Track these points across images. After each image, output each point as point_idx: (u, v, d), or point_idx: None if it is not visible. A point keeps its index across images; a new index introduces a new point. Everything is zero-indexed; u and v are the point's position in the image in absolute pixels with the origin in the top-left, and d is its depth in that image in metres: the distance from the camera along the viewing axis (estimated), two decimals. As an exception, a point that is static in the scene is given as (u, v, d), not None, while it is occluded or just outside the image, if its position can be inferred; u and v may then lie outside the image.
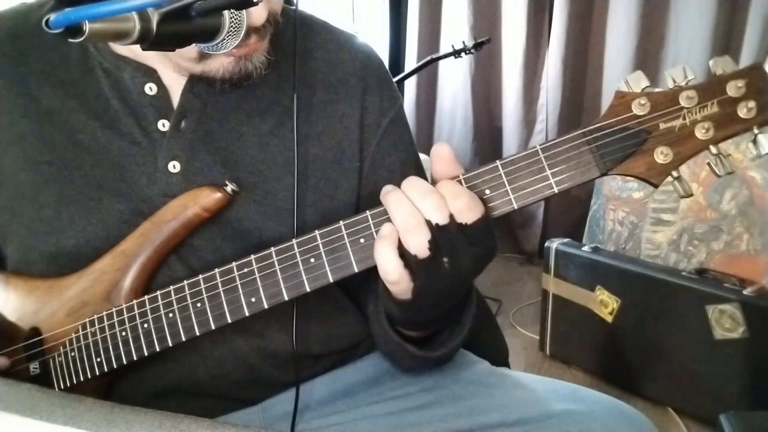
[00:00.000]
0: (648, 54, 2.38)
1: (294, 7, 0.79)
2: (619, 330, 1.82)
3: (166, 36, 0.53)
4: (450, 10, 2.87)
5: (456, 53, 2.27)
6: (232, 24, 0.60)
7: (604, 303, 1.84)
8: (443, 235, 0.56)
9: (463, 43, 2.28)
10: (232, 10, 0.59)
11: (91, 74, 0.74)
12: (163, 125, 0.72)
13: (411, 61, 2.96)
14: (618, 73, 2.42)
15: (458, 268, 0.58)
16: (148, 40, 0.53)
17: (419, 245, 0.57)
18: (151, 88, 0.72)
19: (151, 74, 0.72)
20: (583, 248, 1.90)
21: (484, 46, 2.28)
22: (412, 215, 0.57)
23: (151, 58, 0.71)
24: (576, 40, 2.56)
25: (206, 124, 0.73)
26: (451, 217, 0.56)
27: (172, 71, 0.72)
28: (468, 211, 0.57)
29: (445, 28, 2.90)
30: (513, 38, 2.71)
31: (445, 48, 2.44)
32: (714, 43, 2.19)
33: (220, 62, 0.65)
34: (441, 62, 2.63)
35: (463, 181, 0.59)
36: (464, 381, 0.79)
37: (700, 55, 2.20)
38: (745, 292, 1.58)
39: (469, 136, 2.92)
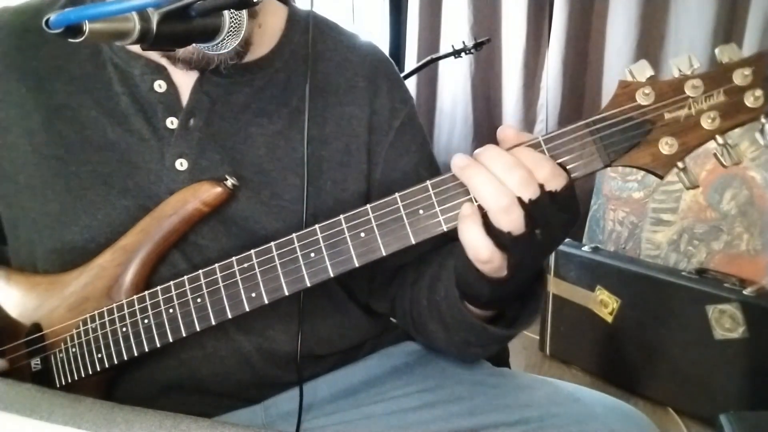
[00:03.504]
0: (648, 54, 2.38)
1: (307, 10, 0.79)
2: (619, 330, 1.82)
3: (166, 36, 0.53)
4: (450, 10, 2.87)
5: (456, 53, 2.27)
6: (232, 24, 0.60)
7: (604, 303, 1.84)
8: (535, 208, 0.54)
9: (463, 43, 2.28)
10: (232, 10, 0.59)
11: (103, 70, 0.74)
12: (172, 123, 0.72)
13: (411, 61, 2.96)
14: (618, 73, 2.41)
15: (550, 238, 0.57)
16: (148, 40, 0.53)
17: (514, 223, 0.54)
18: (160, 86, 0.72)
19: (161, 71, 0.72)
20: (583, 248, 1.90)
21: (484, 46, 2.28)
22: (502, 193, 0.54)
23: (178, 68, 0.71)
24: (576, 40, 2.55)
25: (215, 123, 0.73)
26: (541, 187, 0.54)
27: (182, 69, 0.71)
28: (555, 179, 0.55)
29: (445, 28, 2.90)
30: (513, 38, 2.71)
31: (445, 48, 2.44)
32: (714, 43, 2.18)
33: None
34: (441, 62, 2.62)
35: (545, 150, 0.57)
36: (465, 381, 0.79)
37: (700, 55, 2.19)
38: (745, 292, 1.58)
39: (469, 136, 2.92)
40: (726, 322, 1.59)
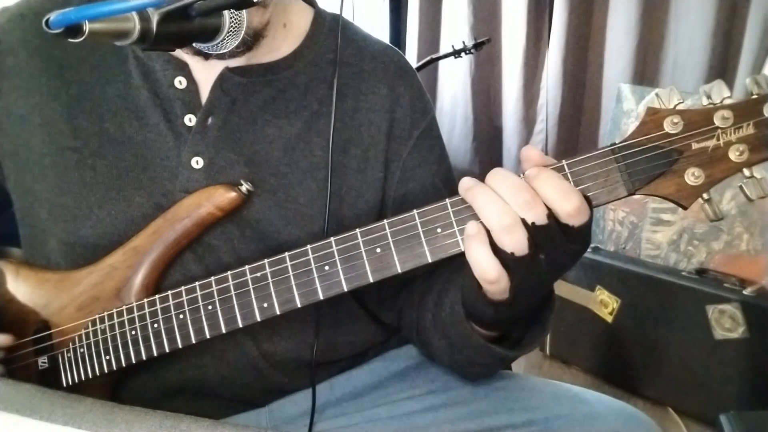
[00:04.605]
0: (648, 54, 2.38)
1: (333, 12, 0.78)
2: (619, 330, 1.82)
3: (166, 36, 0.53)
4: (450, 10, 2.87)
5: (456, 53, 2.27)
6: (232, 24, 0.60)
7: (604, 303, 1.83)
8: (540, 232, 0.54)
9: (463, 43, 2.28)
10: (232, 10, 0.59)
11: (124, 63, 0.73)
12: (190, 120, 0.72)
13: (411, 61, 2.95)
14: (618, 73, 2.41)
15: (555, 264, 0.56)
16: (148, 40, 0.53)
17: (517, 243, 0.53)
18: (180, 82, 0.72)
19: (182, 68, 0.72)
20: (583, 248, 1.90)
21: (484, 46, 2.28)
22: (505, 212, 0.53)
23: (184, 52, 0.71)
24: (576, 40, 2.55)
25: (233, 122, 0.72)
26: (549, 216, 0.53)
27: (203, 66, 0.71)
28: (578, 215, 0.54)
29: (445, 28, 2.90)
30: (513, 38, 2.71)
31: (445, 48, 2.44)
32: (714, 43, 2.18)
33: None
34: (441, 62, 2.63)
35: (569, 175, 0.56)
36: (470, 384, 0.79)
37: (700, 55, 2.20)
38: (745, 292, 1.58)
39: (469, 136, 2.92)
40: (726, 322, 1.59)
